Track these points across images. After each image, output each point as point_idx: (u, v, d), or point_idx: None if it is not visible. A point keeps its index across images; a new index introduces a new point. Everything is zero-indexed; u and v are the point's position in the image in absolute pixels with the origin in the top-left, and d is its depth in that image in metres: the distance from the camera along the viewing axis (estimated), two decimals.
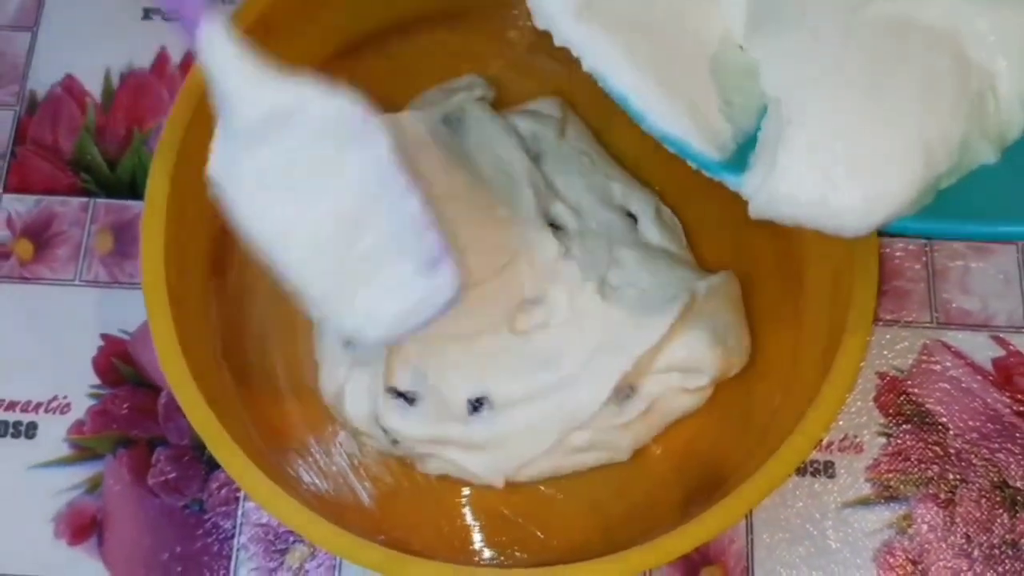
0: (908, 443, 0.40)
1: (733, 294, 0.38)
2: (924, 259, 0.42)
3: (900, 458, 0.39)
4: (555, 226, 0.38)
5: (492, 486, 0.37)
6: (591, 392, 0.35)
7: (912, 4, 0.26)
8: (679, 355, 0.36)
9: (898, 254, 0.42)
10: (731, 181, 0.26)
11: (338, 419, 0.38)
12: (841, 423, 0.40)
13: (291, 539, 0.38)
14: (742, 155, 0.27)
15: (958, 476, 0.39)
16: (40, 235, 0.42)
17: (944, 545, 0.38)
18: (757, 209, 0.26)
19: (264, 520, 0.38)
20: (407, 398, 0.36)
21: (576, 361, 0.36)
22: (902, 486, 0.39)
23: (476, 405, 0.36)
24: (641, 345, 0.35)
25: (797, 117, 0.25)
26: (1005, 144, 0.26)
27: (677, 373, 0.37)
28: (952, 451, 0.39)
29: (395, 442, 0.37)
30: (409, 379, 0.36)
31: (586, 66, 0.26)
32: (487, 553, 0.37)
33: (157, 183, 0.35)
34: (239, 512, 0.38)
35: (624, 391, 0.36)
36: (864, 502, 0.39)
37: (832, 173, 0.25)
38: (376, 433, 0.37)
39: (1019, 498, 0.39)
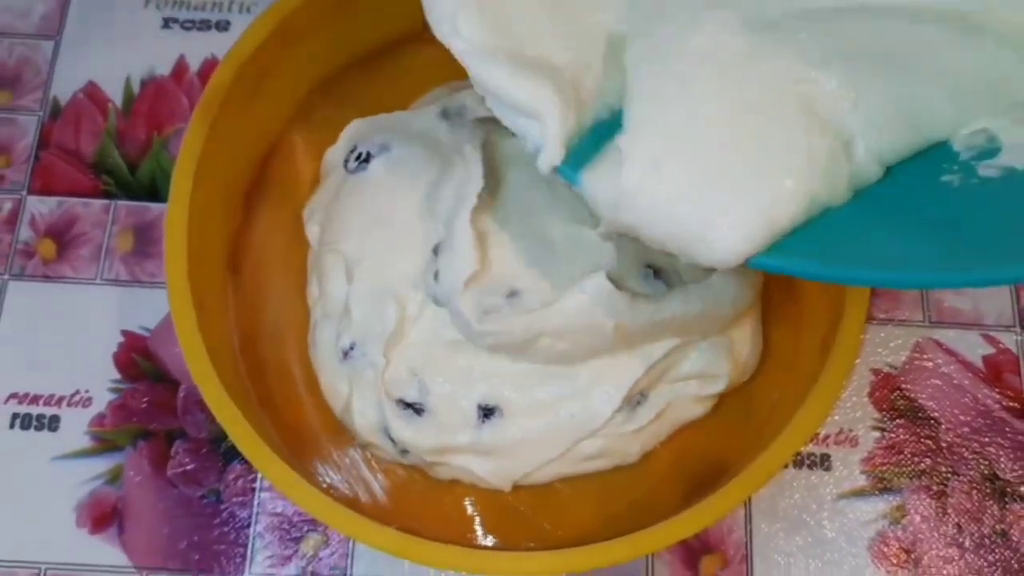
0: (901, 437, 0.41)
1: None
2: None
3: (894, 451, 0.40)
4: None
5: (500, 490, 0.37)
6: (603, 401, 0.35)
7: (773, 69, 0.26)
8: (697, 364, 0.36)
9: None
10: (569, 175, 0.27)
11: (347, 431, 0.38)
12: (837, 417, 0.41)
13: (305, 528, 0.39)
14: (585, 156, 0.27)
15: (950, 469, 0.40)
16: (63, 235, 0.43)
17: (936, 535, 0.39)
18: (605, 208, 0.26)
19: (279, 509, 0.39)
20: (415, 408, 0.36)
21: (590, 370, 0.35)
22: (896, 478, 0.40)
23: (487, 412, 0.36)
24: (655, 352, 0.35)
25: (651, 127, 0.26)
26: (856, 189, 0.26)
27: (693, 381, 0.37)
28: (944, 445, 0.40)
29: (404, 452, 0.37)
30: (416, 389, 0.36)
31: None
32: (495, 542, 0.38)
33: (180, 185, 0.36)
34: (255, 502, 0.39)
35: (635, 398, 0.36)
36: (859, 493, 0.40)
37: (682, 187, 0.25)
38: (385, 444, 0.37)
39: (1008, 490, 0.40)
